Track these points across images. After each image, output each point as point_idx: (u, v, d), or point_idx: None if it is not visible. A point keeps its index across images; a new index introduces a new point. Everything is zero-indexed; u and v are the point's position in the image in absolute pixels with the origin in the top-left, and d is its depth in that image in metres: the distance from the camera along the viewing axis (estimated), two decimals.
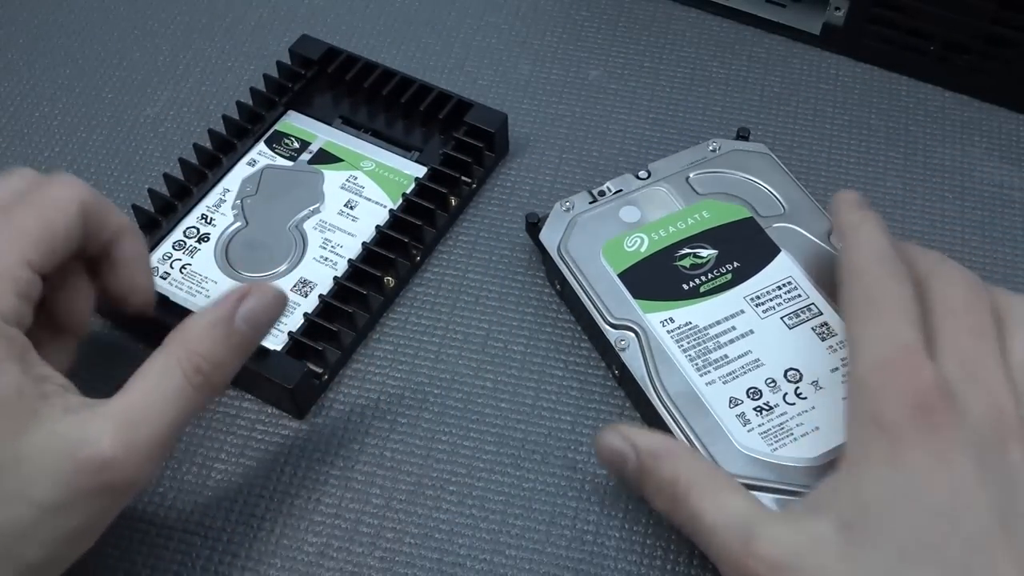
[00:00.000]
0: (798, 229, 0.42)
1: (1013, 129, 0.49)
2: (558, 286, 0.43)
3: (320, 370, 0.40)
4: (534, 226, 0.43)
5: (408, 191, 0.44)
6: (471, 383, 0.41)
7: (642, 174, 0.44)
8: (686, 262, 0.41)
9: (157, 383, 0.32)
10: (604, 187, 0.43)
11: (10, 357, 0.31)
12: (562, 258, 0.41)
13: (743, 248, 0.41)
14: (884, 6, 0.49)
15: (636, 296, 0.40)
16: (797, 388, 0.37)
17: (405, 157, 0.46)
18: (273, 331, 0.39)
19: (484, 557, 0.36)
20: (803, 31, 0.52)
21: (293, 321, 0.40)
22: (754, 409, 0.37)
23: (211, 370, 0.32)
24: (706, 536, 0.32)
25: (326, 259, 0.42)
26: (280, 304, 0.34)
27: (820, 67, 0.52)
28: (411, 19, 0.54)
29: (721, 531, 0.31)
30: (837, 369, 0.38)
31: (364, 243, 0.42)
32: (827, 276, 0.40)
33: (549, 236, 0.42)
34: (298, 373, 0.38)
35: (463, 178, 0.45)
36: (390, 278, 0.42)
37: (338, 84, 0.49)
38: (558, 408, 0.40)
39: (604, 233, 0.42)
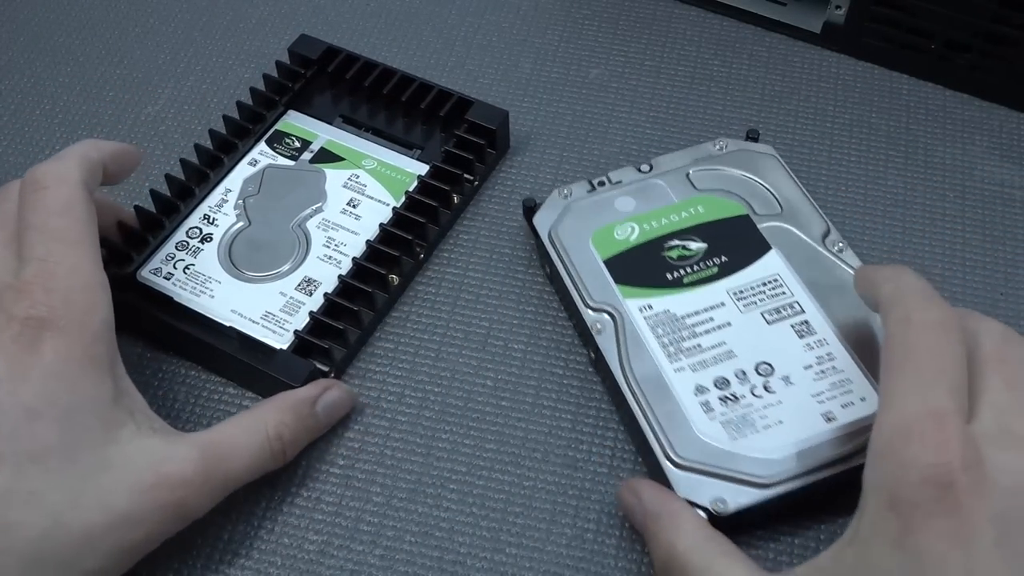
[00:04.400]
0: (792, 229, 0.42)
1: (1014, 128, 0.49)
2: (547, 269, 0.43)
3: (327, 368, 0.40)
4: (531, 210, 0.43)
5: (411, 188, 0.44)
6: (472, 381, 0.41)
7: (644, 167, 0.44)
8: (674, 253, 0.41)
9: (243, 432, 0.35)
10: (604, 177, 0.44)
11: (109, 366, 0.33)
12: (552, 241, 0.42)
13: (734, 243, 0.41)
14: (885, 5, 0.49)
15: (618, 281, 0.40)
16: (767, 382, 0.37)
17: (406, 155, 0.46)
18: (279, 330, 0.40)
19: (485, 555, 0.36)
20: (804, 30, 0.52)
21: (298, 320, 0.40)
22: (719, 398, 0.37)
23: (289, 440, 0.36)
24: None
25: (330, 258, 0.42)
26: (351, 403, 0.39)
27: (821, 66, 0.52)
28: (412, 17, 0.54)
29: None
30: (811, 367, 0.38)
31: (368, 241, 0.42)
32: (817, 277, 0.40)
33: (543, 220, 0.43)
34: (305, 371, 0.38)
35: (465, 175, 0.46)
36: (395, 276, 0.43)
37: (338, 83, 0.49)
38: (558, 406, 0.40)
39: (597, 220, 0.42)
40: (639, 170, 0.44)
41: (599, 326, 0.39)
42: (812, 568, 0.30)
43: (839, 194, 0.46)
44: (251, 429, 0.36)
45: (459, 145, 0.46)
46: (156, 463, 0.32)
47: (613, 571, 0.36)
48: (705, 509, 0.34)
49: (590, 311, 0.40)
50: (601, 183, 0.44)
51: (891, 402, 0.29)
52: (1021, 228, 0.45)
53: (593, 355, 0.40)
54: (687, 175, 0.44)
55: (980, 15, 0.47)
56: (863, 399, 0.37)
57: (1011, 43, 0.47)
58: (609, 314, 0.39)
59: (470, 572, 0.36)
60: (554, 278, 0.42)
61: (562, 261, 0.41)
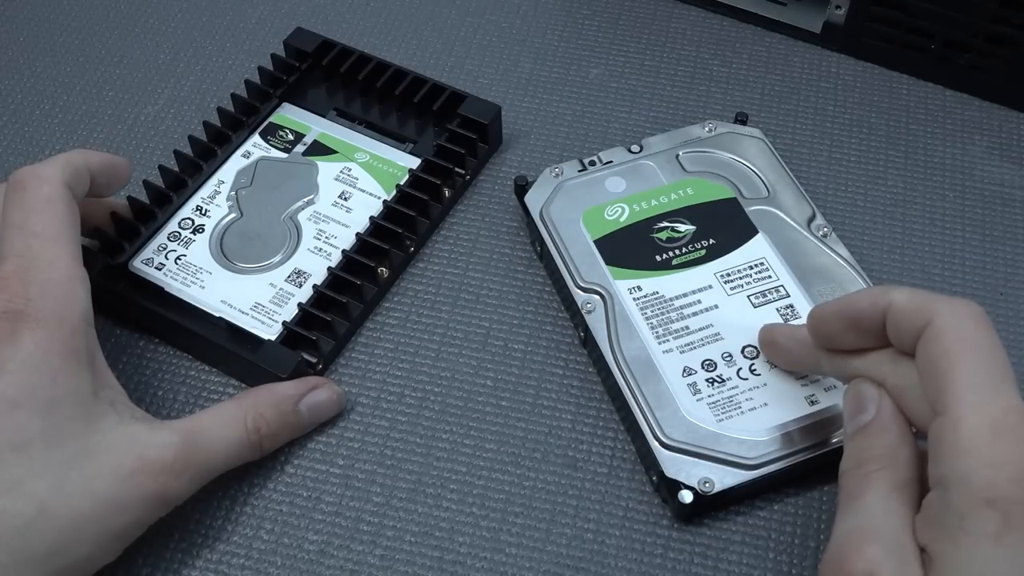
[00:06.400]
0: (779, 213, 0.42)
1: (1014, 128, 0.49)
2: (538, 247, 0.43)
3: (314, 359, 0.40)
4: (522, 188, 0.43)
5: (402, 182, 0.44)
6: (472, 381, 0.41)
7: (635, 148, 0.45)
8: (663, 235, 0.42)
9: (223, 422, 0.36)
10: (595, 157, 0.44)
11: (89, 359, 0.34)
12: (543, 221, 0.42)
13: (722, 226, 0.42)
14: (885, 4, 0.49)
15: (608, 262, 0.41)
16: (752, 364, 0.38)
17: (399, 149, 0.47)
18: (268, 321, 0.40)
19: (484, 555, 0.36)
20: (804, 29, 0.52)
21: (287, 311, 0.41)
22: (706, 380, 0.38)
23: (266, 434, 0.37)
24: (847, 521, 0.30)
25: (320, 250, 0.43)
26: (339, 406, 0.39)
27: (821, 66, 0.52)
28: (412, 17, 0.54)
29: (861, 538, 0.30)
30: None
31: (358, 234, 0.43)
32: (802, 261, 0.41)
33: (534, 199, 0.43)
34: (292, 362, 0.39)
35: (457, 169, 0.46)
36: (384, 268, 0.43)
37: (333, 76, 0.49)
38: (558, 406, 0.40)
39: (588, 200, 0.43)
40: (629, 150, 0.44)
41: (589, 306, 0.40)
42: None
43: (839, 194, 0.46)
44: (231, 419, 0.36)
45: (451, 139, 0.46)
46: (138, 449, 0.33)
47: (613, 571, 0.36)
48: (692, 489, 0.35)
49: (580, 291, 0.40)
50: (592, 163, 0.44)
51: (969, 398, 0.28)
52: (1021, 228, 0.45)
53: (583, 334, 0.41)
54: (677, 156, 0.44)
55: (980, 15, 0.47)
56: None
57: (1011, 43, 0.47)
58: (599, 294, 0.40)
59: (470, 572, 0.36)
60: (544, 257, 0.43)
61: (553, 240, 0.42)
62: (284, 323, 0.40)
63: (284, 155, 0.46)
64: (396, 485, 0.38)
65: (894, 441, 0.31)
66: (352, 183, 0.45)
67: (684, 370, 0.38)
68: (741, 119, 0.46)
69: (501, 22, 0.54)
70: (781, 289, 0.40)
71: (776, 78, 0.51)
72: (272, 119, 0.47)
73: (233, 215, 0.44)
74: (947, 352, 0.29)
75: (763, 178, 0.43)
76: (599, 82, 0.51)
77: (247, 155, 0.46)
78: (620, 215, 0.42)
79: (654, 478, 0.37)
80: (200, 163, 0.45)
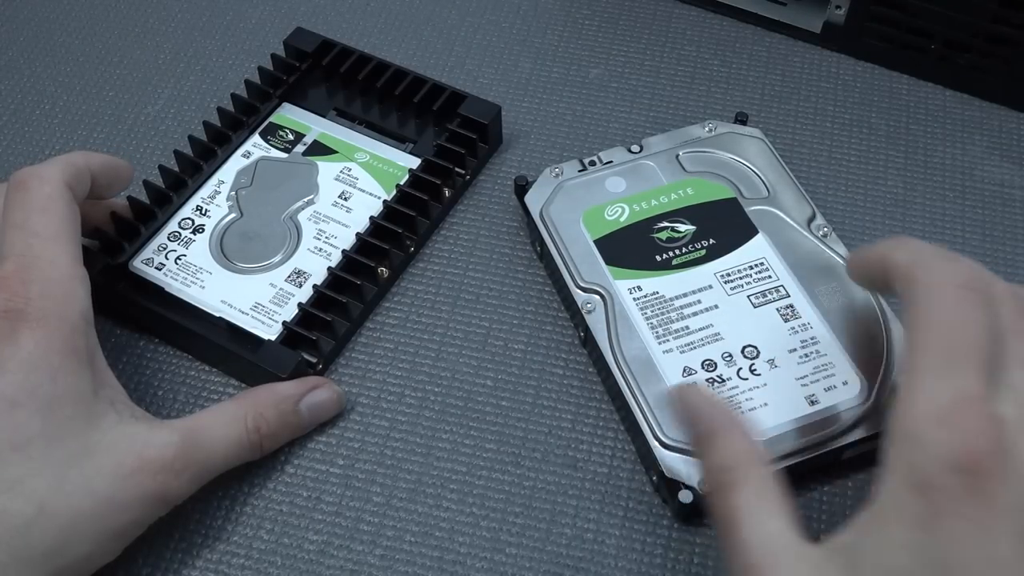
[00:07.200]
0: (779, 213, 0.42)
1: (1014, 128, 0.49)
2: (538, 247, 0.44)
3: (314, 359, 0.40)
4: (522, 188, 0.44)
5: (402, 182, 0.44)
6: (472, 381, 0.41)
7: (635, 148, 0.45)
8: (663, 235, 0.42)
9: (223, 421, 0.36)
10: (595, 157, 0.44)
11: (89, 358, 0.34)
12: (543, 221, 0.42)
13: (722, 226, 0.42)
14: (885, 4, 0.49)
15: (608, 262, 0.41)
16: (752, 364, 0.38)
17: (399, 149, 0.47)
18: (268, 321, 0.40)
19: (484, 555, 0.36)
20: (804, 29, 0.52)
21: (287, 311, 0.41)
22: (706, 380, 0.38)
23: (266, 434, 0.37)
24: (732, 537, 0.30)
25: (320, 250, 0.43)
26: (339, 406, 0.39)
27: (821, 66, 0.52)
28: (413, 17, 0.54)
29: (750, 546, 0.29)
30: (795, 350, 0.38)
31: (358, 234, 0.43)
32: (802, 261, 0.41)
33: (534, 199, 0.43)
34: (292, 362, 0.39)
35: (457, 169, 0.46)
36: (384, 268, 0.43)
37: (333, 76, 0.49)
38: (558, 406, 0.40)
39: (588, 200, 0.43)
40: (630, 150, 0.44)
41: (589, 306, 0.40)
42: (836, 543, 0.29)
43: (839, 194, 0.46)
44: (231, 419, 0.36)
45: (451, 139, 0.46)
46: (138, 448, 0.33)
47: (613, 571, 0.36)
48: (692, 489, 0.35)
49: (580, 291, 0.40)
50: (592, 163, 0.44)
51: (921, 383, 0.28)
52: (1021, 228, 0.45)
53: (583, 334, 0.41)
54: (677, 156, 0.44)
55: (980, 15, 0.47)
56: (845, 383, 0.37)
57: (1011, 43, 0.47)
58: (599, 294, 0.40)
59: (470, 572, 0.36)
60: (544, 257, 0.43)
61: (553, 240, 0.42)
62: (284, 323, 0.40)
63: (284, 155, 0.46)
64: (396, 485, 0.38)
65: (747, 446, 0.30)
66: (352, 183, 0.45)
67: (684, 370, 0.38)
68: (741, 119, 0.46)
69: (501, 22, 0.54)
70: (781, 289, 0.40)
71: (776, 78, 0.51)
72: (272, 119, 0.47)
73: (233, 215, 0.44)
74: (913, 327, 0.29)
75: (763, 178, 0.43)
76: (599, 82, 0.51)
77: (247, 155, 0.46)
78: (620, 215, 0.42)
79: (654, 478, 0.37)
80: (200, 163, 0.45)
